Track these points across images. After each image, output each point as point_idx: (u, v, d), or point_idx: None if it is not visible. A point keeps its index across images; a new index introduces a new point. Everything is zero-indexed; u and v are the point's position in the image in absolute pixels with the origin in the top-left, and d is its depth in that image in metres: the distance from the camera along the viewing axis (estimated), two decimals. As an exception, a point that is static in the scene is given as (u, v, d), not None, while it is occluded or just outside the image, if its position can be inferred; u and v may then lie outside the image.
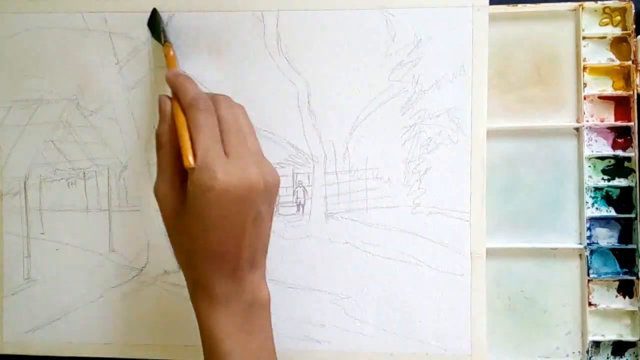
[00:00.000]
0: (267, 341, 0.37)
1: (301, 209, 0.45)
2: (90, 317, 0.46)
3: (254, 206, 0.34)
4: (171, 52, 0.42)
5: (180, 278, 0.45)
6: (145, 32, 0.45)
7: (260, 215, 0.35)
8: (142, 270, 0.46)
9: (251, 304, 0.36)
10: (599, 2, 0.44)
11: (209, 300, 0.35)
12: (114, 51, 0.45)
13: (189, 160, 0.33)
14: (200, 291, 0.36)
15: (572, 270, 0.45)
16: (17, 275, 0.47)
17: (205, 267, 0.35)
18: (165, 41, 0.43)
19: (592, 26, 0.45)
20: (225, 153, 0.34)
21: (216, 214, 0.33)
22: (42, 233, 0.47)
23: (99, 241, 0.46)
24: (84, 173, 0.46)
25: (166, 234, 0.45)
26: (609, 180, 0.45)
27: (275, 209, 0.38)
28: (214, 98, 0.37)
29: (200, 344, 0.45)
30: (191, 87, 0.37)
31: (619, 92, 0.44)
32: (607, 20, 0.45)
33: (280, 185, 0.45)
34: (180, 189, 0.35)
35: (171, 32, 0.45)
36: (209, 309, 0.35)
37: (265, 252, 0.37)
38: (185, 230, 0.35)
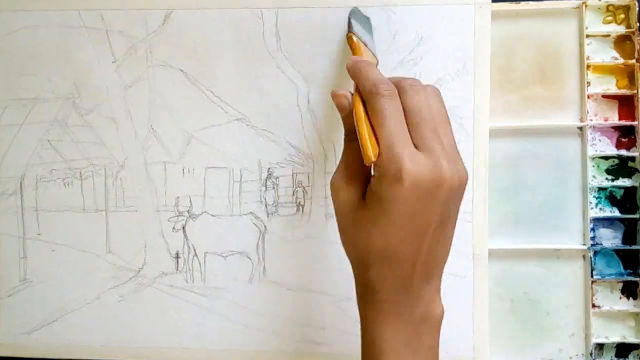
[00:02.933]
0: None
1: (301, 209, 0.45)
2: (87, 318, 0.46)
3: (443, 205, 0.31)
4: (354, 39, 0.38)
5: (177, 279, 0.45)
6: (143, 30, 0.45)
7: (446, 217, 0.32)
8: (139, 271, 0.46)
9: (422, 319, 0.33)
10: (603, 0, 0.44)
11: (377, 306, 0.32)
12: (111, 49, 0.45)
13: (369, 154, 0.30)
14: (369, 295, 0.33)
15: (576, 271, 0.44)
16: (13, 277, 0.46)
17: (379, 268, 0.32)
18: (349, 31, 0.39)
19: (596, 24, 0.44)
20: (414, 145, 0.30)
21: (401, 209, 0.30)
22: (39, 234, 0.46)
23: (95, 242, 0.46)
24: (80, 173, 0.46)
25: (164, 234, 0.45)
26: (612, 180, 0.44)
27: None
28: (399, 83, 0.33)
29: (199, 345, 0.45)
30: (371, 72, 0.33)
31: (623, 91, 0.44)
32: (610, 18, 0.44)
33: (280, 186, 0.45)
34: (358, 182, 0.33)
35: (169, 30, 0.44)
36: (377, 317, 0.32)
37: (444, 263, 0.34)
38: (361, 225, 0.32)
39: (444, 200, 0.30)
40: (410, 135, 0.31)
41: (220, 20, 0.44)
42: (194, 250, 0.45)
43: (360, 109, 0.32)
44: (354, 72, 0.34)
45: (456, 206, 0.32)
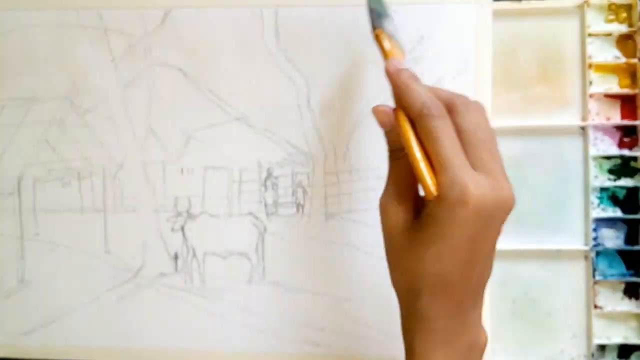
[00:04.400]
0: None
1: (301, 209, 0.44)
2: (86, 319, 0.46)
3: (498, 229, 0.30)
4: (385, 40, 0.34)
5: (176, 280, 0.45)
6: (141, 28, 0.44)
7: (495, 240, 0.31)
8: (138, 272, 0.45)
9: (470, 347, 0.32)
10: (605, -1, 0.44)
11: (428, 337, 0.31)
12: (109, 48, 0.45)
13: (430, 190, 0.29)
14: (419, 324, 0.31)
15: (578, 272, 0.44)
16: (11, 277, 0.46)
17: (431, 296, 0.30)
18: (375, 27, 0.35)
19: (598, 23, 0.44)
20: (472, 167, 0.29)
21: (460, 233, 0.29)
22: (37, 234, 0.46)
23: (94, 242, 0.45)
24: (78, 173, 0.46)
25: (162, 234, 0.45)
26: (615, 180, 0.44)
27: None
28: (448, 100, 0.31)
29: (199, 346, 0.45)
30: (419, 88, 0.31)
31: (625, 90, 0.44)
32: (612, 17, 0.44)
33: (280, 186, 0.45)
34: (409, 201, 0.32)
35: (168, 29, 0.44)
36: (428, 348, 0.31)
37: (485, 286, 0.33)
38: (414, 249, 0.30)
39: (502, 222, 0.30)
40: (467, 155, 0.30)
41: (219, 19, 0.44)
42: (193, 250, 0.45)
43: (409, 132, 0.31)
44: (399, 88, 0.32)
45: (501, 229, 0.32)
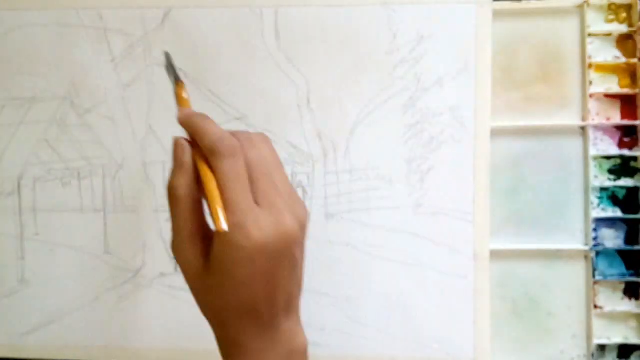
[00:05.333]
0: None
1: (301, 209, 0.44)
2: (86, 319, 0.46)
3: (290, 256, 0.31)
4: (183, 93, 0.36)
5: (176, 280, 0.45)
6: (141, 28, 0.44)
7: (296, 263, 0.32)
8: (138, 272, 0.45)
9: (289, 354, 0.33)
10: (605, -1, 0.44)
11: (243, 358, 0.32)
12: (109, 48, 0.45)
13: (221, 225, 0.30)
14: (233, 349, 0.32)
15: (578, 272, 0.44)
16: (11, 277, 0.46)
17: (238, 324, 0.32)
18: (177, 80, 0.37)
19: (598, 23, 0.44)
20: (255, 201, 0.31)
21: (249, 272, 0.30)
22: (37, 234, 0.46)
23: (94, 242, 0.45)
24: (78, 173, 0.46)
25: (162, 234, 0.45)
26: (615, 180, 0.44)
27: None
28: (236, 137, 0.32)
29: (198, 346, 0.45)
30: (210, 128, 0.32)
31: (626, 90, 0.44)
32: (612, 17, 0.44)
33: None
34: (202, 246, 0.32)
35: (167, 29, 0.44)
36: None
37: (301, 293, 0.34)
38: (213, 289, 0.31)
39: (291, 251, 0.31)
40: (252, 190, 0.31)
41: (219, 19, 0.44)
42: (193, 250, 0.45)
43: (206, 169, 0.31)
44: (190, 128, 0.33)
45: (302, 246, 0.33)
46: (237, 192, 0.30)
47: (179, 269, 0.44)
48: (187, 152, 0.32)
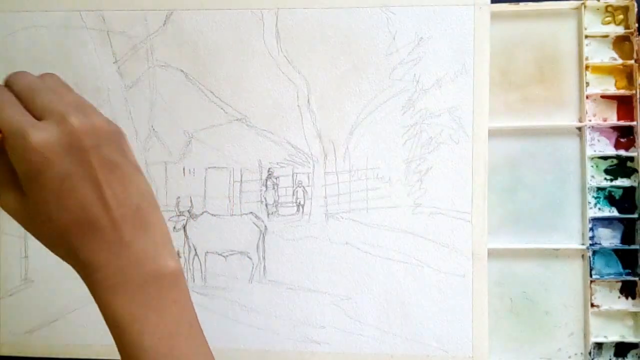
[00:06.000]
0: (184, 315, 0.33)
1: (301, 209, 0.45)
2: (89, 318, 0.46)
3: (92, 153, 0.29)
4: None
5: (178, 279, 0.45)
6: (144, 30, 0.45)
7: (114, 164, 0.30)
8: (140, 271, 0.46)
9: (153, 277, 0.31)
10: (602, 1, 0.44)
11: (101, 281, 0.30)
12: (112, 49, 0.45)
13: None
14: (88, 274, 0.31)
15: (575, 271, 0.45)
16: (14, 276, 0.46)
17: (79, 241, 0.30)
18: None
19: (595, 25, 0.44)
20: (36, 118, 0.29)
21: (52, 174, 0.29)
22: (40, 233, 0.46)
23: (97, 241, 0.46)
24: (81, 173, 0.46)
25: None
26: (611, 180, 0.44)
27: (134, 161, 0.32)
28: (5, 80, 0.32)
29: (199, 345, 0.45)
30: None
31: (622, 91, 0.44)
32: (609, 18, 0.44)
33: (280, 185, 0.45)
34: (11, 183, 0.31)
35: (170, 31, 0.44)
36: (105, 291, 0.30)
37: (154, 207, 0.32)
38: (36, 213, 0.30)
39: (91, 146, 0.29)
40: (30, 112, 0.30)
41: (220, 21, 0.44)
42: (195, 249, 0.45)
43: None
44: None
45: (115, 149, 0.31)
46: (6, 110, 0.29)
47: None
48: None
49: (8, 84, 0.31)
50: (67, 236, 0.30)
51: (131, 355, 0.31)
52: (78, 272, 0.32)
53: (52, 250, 0.32)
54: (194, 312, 0.33)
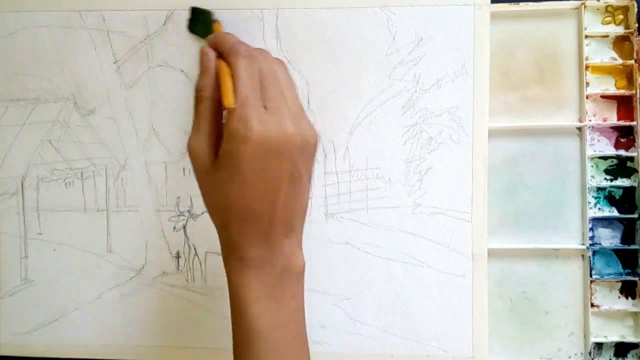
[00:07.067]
0: (297, 311, 0.36)
1: (301, 209, 0.45)
2: (88, 318, 0.46)
3: (291, 161, 0.33)
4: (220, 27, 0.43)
5: (178, 278, 0.45)
6: (144, 30, 0.45)
7: (297, 173, 0.33)
8: (140, 270, 0.46)
9: (284, 271, 0.35)
10: (602, 1, 0.44)
11: (240, 262, 0.34)
12: (112, 50, 0.45)
13: (230, 99, 0.32)
14: (232, 252, 0.34)
15: (575, 271, 0.45)
16: (14, 276, 0.46)
17: (239, 226, 0.33)
18: (214, 19, 0.43)
19: (595, 25, 0.44)
20: (264, 106, 0.33)
21: (251, 167, 0.32)
22: (40, 233, 0.46)
23: (96, 242, 0.46)
24: (81, 173, 0.46)
25: (164, 234, 0.45)
26: (611, 180, 0.44)
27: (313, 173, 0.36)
28: (254, 50, 0.36)
29: (200, 344, 0.45)
30: (230, 37, 0.37)
31: (622, 91, 0.44)
32: (609, 18, 0.44)
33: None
34: (216, 146, 0.34)
35: (170, 31, 0.45)
36: (240, 272, 0.34)
37: (303, 218, 0.36)
38: (219, 186, 0.33)
39: (290, 156, 0.32)
40: (261, 96, 0.33)
41: (221, 20, 0.44)
42: (195, 249, 0.45)
43: (225, 65, 0.34)
44: (215, 41, 0.37)
45: (307, 165, 0.34)
46: (247, 88, 0.32)
47: (180, 267, 0.45)
48: (212, 58, 0.36)
49: (258, 59, 0.34)
50: (231, 214, 0.33)
51: (243, 335, 0.35)
52: (222, 247, 0.35)
53: (211, 217, 0.35)
54: (304, 311, 0.37)
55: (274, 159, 0.32)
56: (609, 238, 0.44)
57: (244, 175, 0.32)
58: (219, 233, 0.35)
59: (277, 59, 0.36)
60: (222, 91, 0.33)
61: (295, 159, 0.33)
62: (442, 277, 0.44)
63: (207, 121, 0.34)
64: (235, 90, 0.33)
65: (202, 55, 0.36)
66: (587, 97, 0.44)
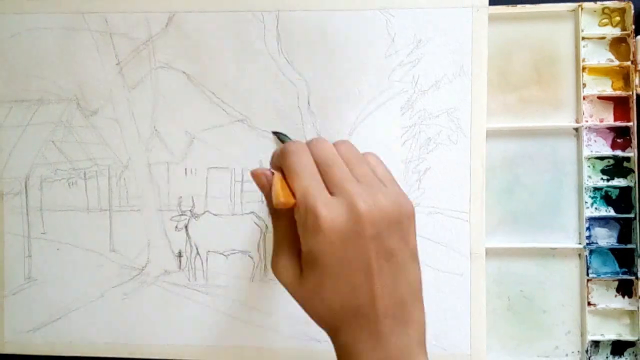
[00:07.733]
0: None
1: (301, 208, 0.45)
2: (91, 316, 0.46)
3: (375, 241, 0.30)
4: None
5: (180, 277, 0.46)
6: (146, 32, 0.45)
7: (391, 252, 0.30)
8: (142, 269, 0.46)
9: None
10: (598, 3, 0.44)
11: None
12: (114, 51, 0.46)
13: (284, 199, 0.30)
14: (344, 358, 0.31)
15: (572, 270, 0.45)
16: (18, 275, 0.47)
17: (345, 327, 0.30)
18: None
19: (592, 26, 0.45)
20: (330, 193, 0.30)
21: (334, 258, 0.29)
22: (43, 233, 0.47)
23: (99, 241, 0.46)
24: (84, 173, 0.46)
25: (167, 233, 0.45)
26: (608, 180, 0.45)
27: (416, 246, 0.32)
28: (300, 143, 0.33)
29: (201, 342, 0.46)
30: (281, 147, 0.34)
31: (618, 93, 0.44)
32: (606, 20, 0.45)
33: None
34: (296, 256, 0.32)
35: (172, 32, 0.45)
36: None
37: (417, 302, 0.32)
38: (314, 293, 0.31)
39: (372, 235, 0.30)
40: (325, 183, 0.31)
41: (222, 22, 0.45)
42: (197, 249, 0.46)
43: (276, 174, 0.32)
44: (272, 160, 0.34)
45: (399, 238, 0.31)
46: (304, 179, 0.30)
47: (182, 266, 0.46)
48: (259, 173, 0.32)
49: (310, 148, 0.32)
50: (334, 318, 0.31)
51: None
52: (335, 350, 0.32)
53: (319, 324, 0.32)
54: None
55: (353, 242, 0.29)
56: (605, 237, 0.45)
57: (330, 270, 0.29)
58: (333, 343, 0.32)
59: (340, 140, 0.34)
60: (273, 195, 0.31)
61: (381, 236, 0.30)
62: (441, 276, 0.44)
63: (284, 237, 0.32)
64: (292, 187, 0.30)
65: (253, 178, 0.33)
66: (584, 98, 0.44)
